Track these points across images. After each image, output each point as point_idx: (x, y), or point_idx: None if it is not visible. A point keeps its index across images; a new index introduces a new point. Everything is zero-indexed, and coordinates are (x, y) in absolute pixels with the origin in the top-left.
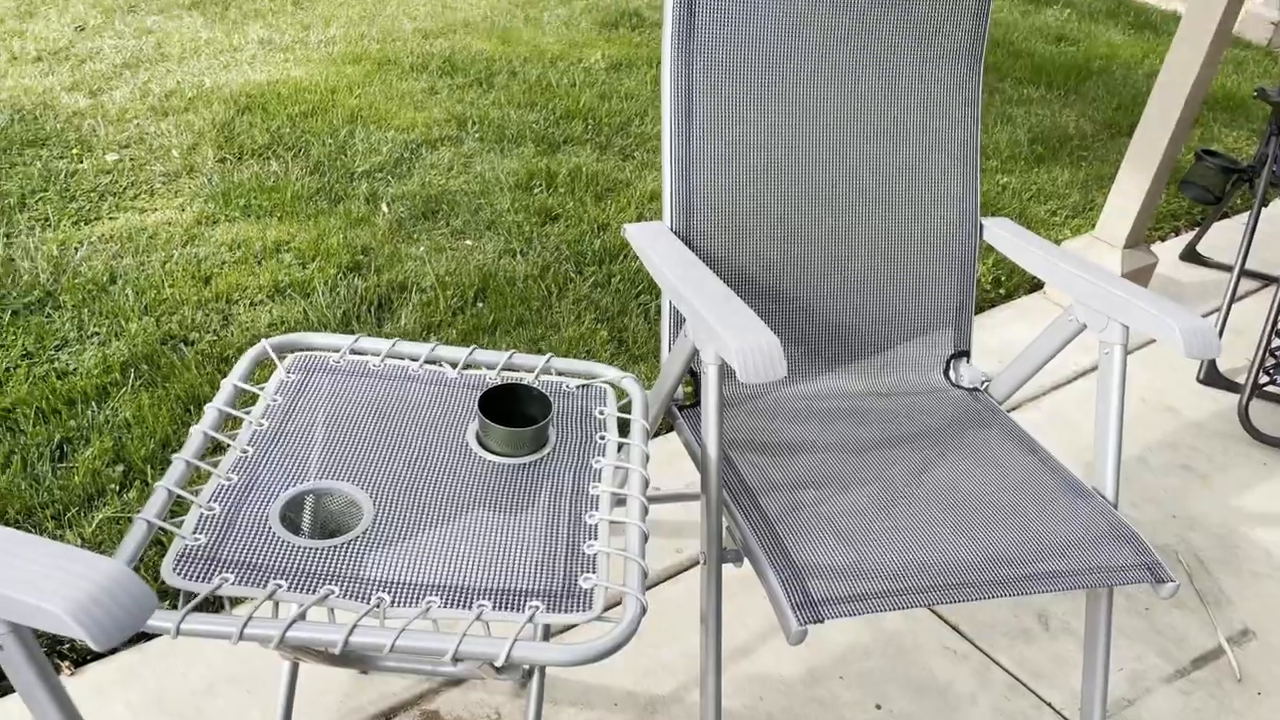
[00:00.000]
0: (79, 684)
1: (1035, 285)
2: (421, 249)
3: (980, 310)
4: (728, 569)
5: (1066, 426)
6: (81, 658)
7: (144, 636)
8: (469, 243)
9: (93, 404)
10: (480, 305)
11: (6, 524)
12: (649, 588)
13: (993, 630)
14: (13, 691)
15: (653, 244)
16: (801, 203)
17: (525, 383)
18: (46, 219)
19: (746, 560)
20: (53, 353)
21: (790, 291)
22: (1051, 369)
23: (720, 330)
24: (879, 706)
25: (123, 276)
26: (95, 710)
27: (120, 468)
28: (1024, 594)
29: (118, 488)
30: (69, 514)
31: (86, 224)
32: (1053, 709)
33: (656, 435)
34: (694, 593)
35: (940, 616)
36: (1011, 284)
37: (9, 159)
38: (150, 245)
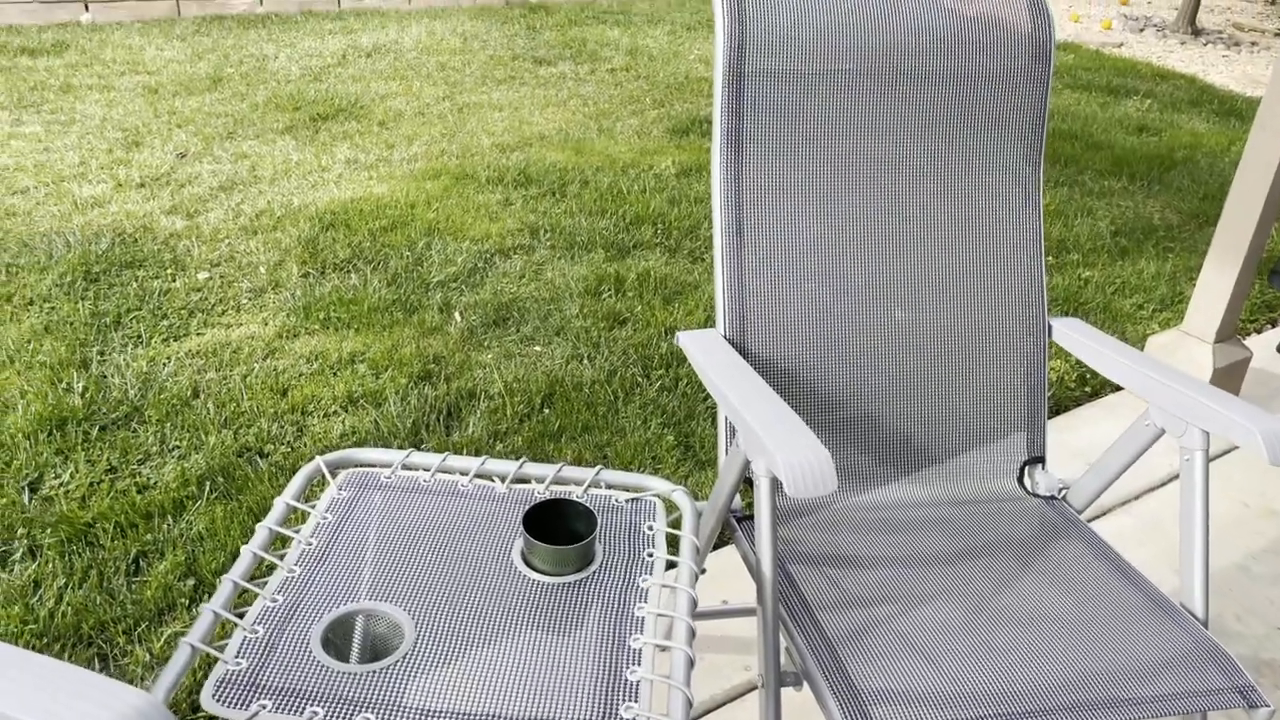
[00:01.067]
0: None
1: None
2: (491, 356)
3: (1064, 409)
4: (791, 692)
5: (1159, 532)
6: None
7: None
8: (538, 349)
9: (169, 517)
10: (546, 411)
11: (80, 639)
12: (714, 709)
13: None
14: None
15: (705, 352)
16: (859, 305)
17: (572, 498)
18: (139, 336)
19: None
20: (135, 467)
21: (850, 397)
22: (1143, 470)
23: (768, 443)
24: None
25: (205, 391)
26: None
27: (191, 581)
28: None
29: (187, 601)
30: (139, 629)
31: (176, 340)
32: None
33: (723, 545)
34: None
35: None
36: (1097, 381)
37: (108, 280)
38: (233, 359)
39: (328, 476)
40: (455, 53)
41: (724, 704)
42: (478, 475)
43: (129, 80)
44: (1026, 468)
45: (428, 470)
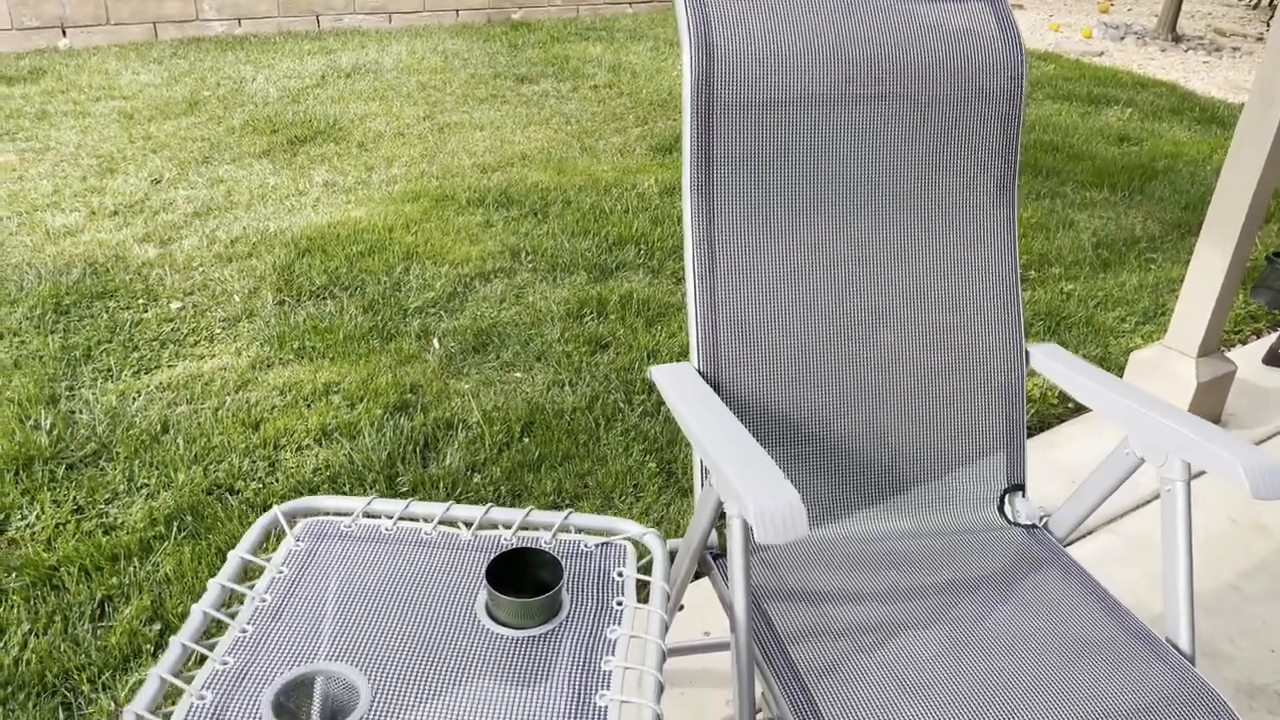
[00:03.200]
0: None
1: None
2: (469, 384)
3: (1047, 426)
4: None
5: (1146, 552)
6: None
7: None
8: (518, 375)
9: (135, 559)
10: (526, 440)
11: (44, 687)
12: None
13: None
14: None
15: (676, 388)
16: (834, 333)
17: (538, 545)
18: (109, 370)
19: None
20: (102, 506)
21: (826, 429)
22: (1129, 488)
23: (738, 487)
24: None
25: (175, 426)
26: None
27: (158, 625)
28: None
29: (153, 647)
30: (104, 676)
31: (146, 373)
32: None
33: (705, 575)
34: None
35: None
36: None
37: (79, 312)
38: (205, 392)
39: (285, 527)
40: (436, 71)
41: None
42: (442, 522)
43: (105, 106)
44: (1006, 495)
45: (390, 517)
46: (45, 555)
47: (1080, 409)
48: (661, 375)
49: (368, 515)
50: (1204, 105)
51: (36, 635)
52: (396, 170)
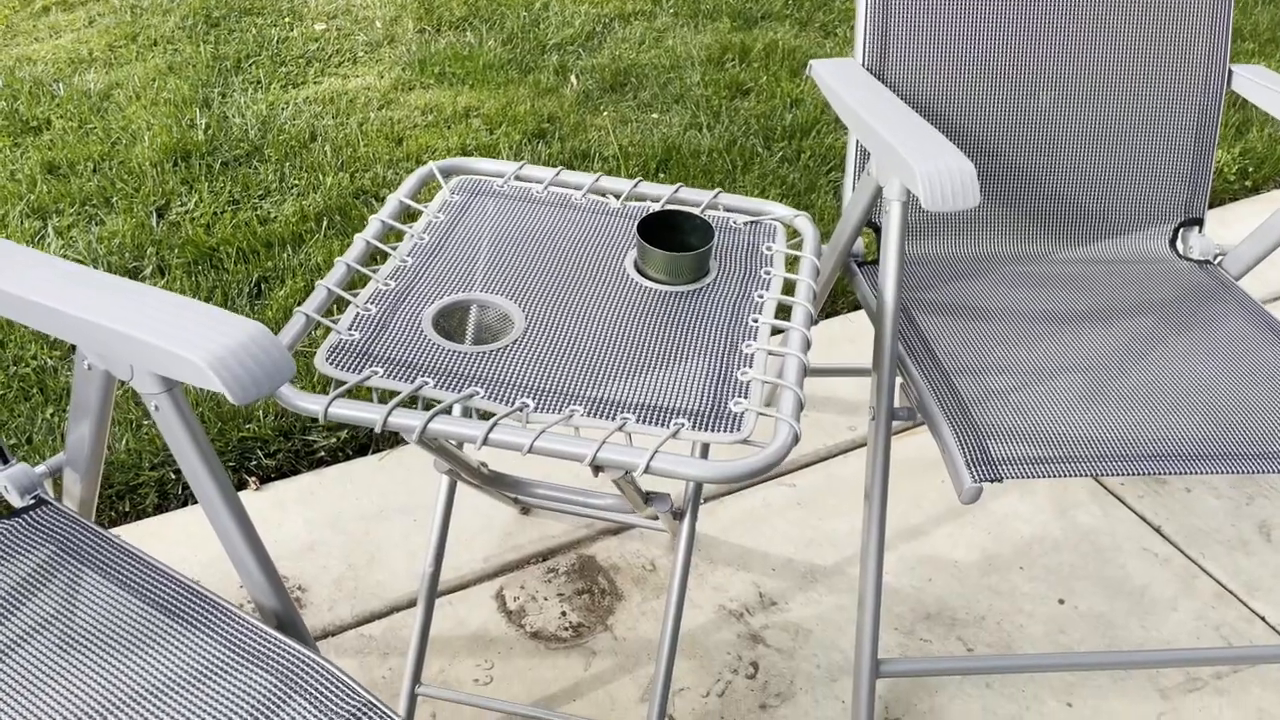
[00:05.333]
0: (262, 498)
1: None
2: (606, 119)
3: (1220, 204)
4: (907, 449)
5: None
6: (267, 476)
7: (322, 462)
8: (655, 116)
9: (289, 248)
10: (661, 176)
11: None
12: (817, 462)
13: (1204, 537)
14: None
15: (839, 78)
16: (1013, 36)
17: (689, 211)
18: (258, 81)
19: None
20: (256, 200)
21: (996, 141)
22: None
23: (905, 154)
24: (1062, 602)
25: (322, 135)
26: (277, 520)
27: None
28: (1243, 472)
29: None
30: None
31: (294, 87)
32: (1266, 623)
33: (835, 315)
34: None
35: (1144, 519)
36: (1260, 175)
37: (228, 25)
38: (350, 108)
39: (440, 180)
40: None
41: (826, 459)
42: (592, 190)
43: None
44: (1181, 230)
45: (541, 183)
46: (205, 238)
47: (1257, 189)
48: (823, 67)
49: (519, 179)
50: None
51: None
52: None
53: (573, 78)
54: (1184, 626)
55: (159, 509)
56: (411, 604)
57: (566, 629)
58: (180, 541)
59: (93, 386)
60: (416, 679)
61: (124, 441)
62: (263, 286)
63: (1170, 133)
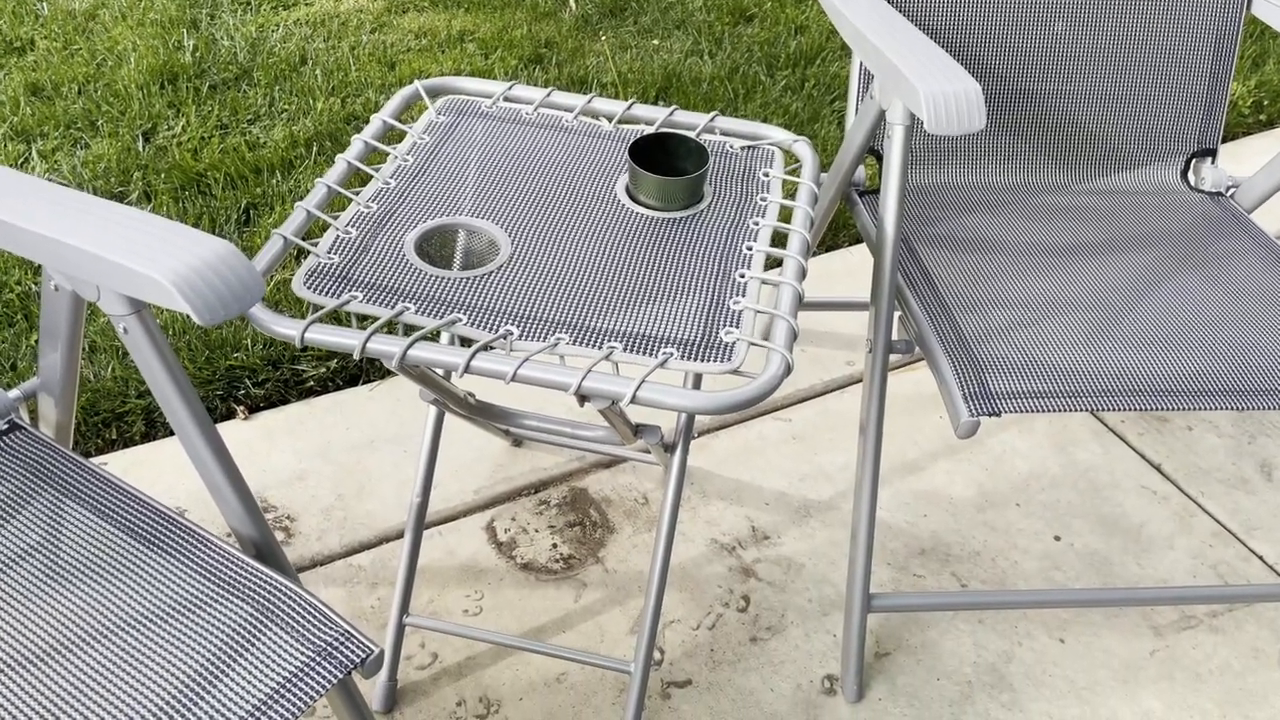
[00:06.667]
0: (251, 427)
1: None
2: (605, 45)
3: (1232, 137)
4: (905, 384)
5: None
6: (256, 406)
7: (312, 392)
8: (655, 42)
9: (278, 174)
10: (661, 104)
11: None
12: (813, 397)
13: (1204, 475)
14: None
15: None
16: None
17: (683, 134)
18: (248, 2)
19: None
20: (245, 125)
21: (1004, 65)
22: None
23: (910, 75)
24: (1058, 538)
25: (313, 59)
26: (265, 450)
27: None
28: (1247, 408)
29: (294, 254)
30: None
31: (285, 9)
32: (1263, 562)
33: (835, 249)
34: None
35: (1143, 456)
36: (1275, 109)
37: None
38: (341, 31)
39: (426, 100)
40: None
41: (823, 393)
42: (584, 112)
43: None
44: (1194, 161)
45: (531, 104)
46: (193, 162)
47: (1270, 124)
48: None
49: (508, 100)
50: None
51: None
52: None
53: (571, 1)
54: (1180, 565)
55: (146, 437)
56: (401, 535)
57: (557, 561)
58: (168, 470)
59: (61, 308)
60: (404, 609)
61: (110, 369)
62: (251, 213)
63: (1186, 57)
